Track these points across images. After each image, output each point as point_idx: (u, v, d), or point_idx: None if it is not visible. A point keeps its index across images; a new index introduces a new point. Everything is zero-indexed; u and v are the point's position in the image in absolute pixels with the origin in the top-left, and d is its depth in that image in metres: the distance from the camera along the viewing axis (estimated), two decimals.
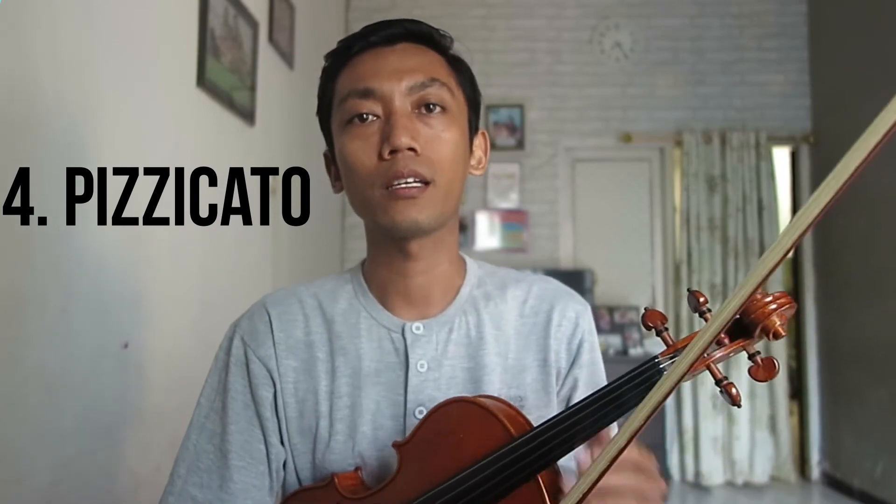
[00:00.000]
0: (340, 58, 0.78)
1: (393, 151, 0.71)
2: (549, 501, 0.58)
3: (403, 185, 0.71)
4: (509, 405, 0.68)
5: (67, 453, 1.42)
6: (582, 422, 0.59)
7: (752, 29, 4.44)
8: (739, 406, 0.55)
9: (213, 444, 0.77)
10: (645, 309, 0.60)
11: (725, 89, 4.42)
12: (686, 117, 4.40)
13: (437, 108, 0.75)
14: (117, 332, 1.64)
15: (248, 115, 2.51)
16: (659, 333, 0.60)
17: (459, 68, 0.80)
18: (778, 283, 4.21)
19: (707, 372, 0.57)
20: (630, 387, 0.58)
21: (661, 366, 0.58)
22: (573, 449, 0.60)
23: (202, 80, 2.10)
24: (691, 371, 0.52)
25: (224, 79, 2.30)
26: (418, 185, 0.71)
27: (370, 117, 0.73)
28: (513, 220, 4.35)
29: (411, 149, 0.71)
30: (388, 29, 0.76)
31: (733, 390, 0.54)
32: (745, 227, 4.25)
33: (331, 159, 0.83)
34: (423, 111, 0.74)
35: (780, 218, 4.32)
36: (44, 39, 1.35)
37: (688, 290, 0.60)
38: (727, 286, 4.24)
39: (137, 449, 1.68)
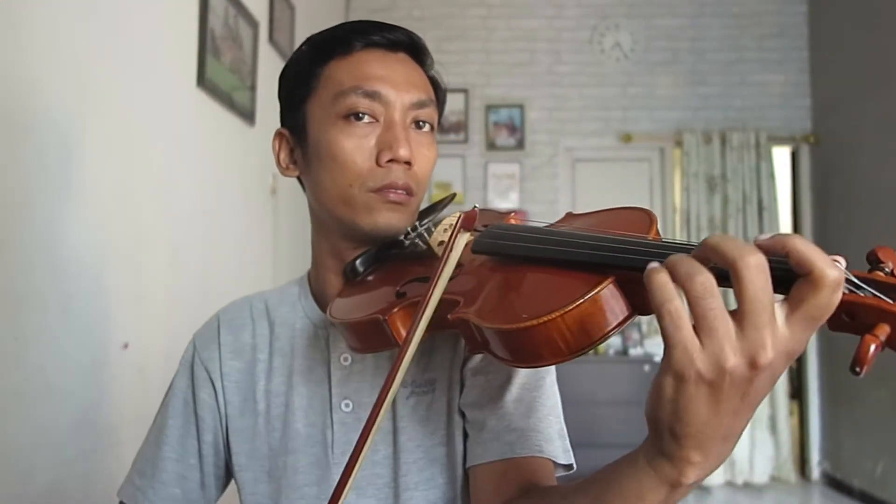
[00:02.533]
0: (337, 46, 0.77)
1: (392, 160, 0.72)
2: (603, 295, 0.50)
3: (394, 191, 0.73)
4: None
5: (67, 453, 1.42)
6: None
7: (752, 29, 4.44)
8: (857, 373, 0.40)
9: (154, 437, 0.84)
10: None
11: (725, 89, 4.42)
12: (686, 117, 4.40)
13: (427, 126, 0.77)
14: (117, 332, 1.64)
15: (248, 115, 2.51)
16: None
17: (437, 88, 0.82)
18: None
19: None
20: (786, 266, 0.43)
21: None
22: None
23: (202, 80, 2.10)
24: None
25: (224, 79, 2.30)
26: (406, 195, 0.74)
27: (367, 117, 0.73)
28: None
29: (407, 161, 0.73)
30: (391, 32, 0.77)
31: (871, 347, 0.40)
32: (745, 227, 4.25)
33: (289, 139, 0.81)
34: (415, 126, 0.76)
35: (780, 218, 4.32)
36: (44, 39, 1.35)
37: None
38: None
39: (137, 449, 1.68)
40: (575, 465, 0.72)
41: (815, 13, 4.37)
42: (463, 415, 0.75)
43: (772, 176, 4.29)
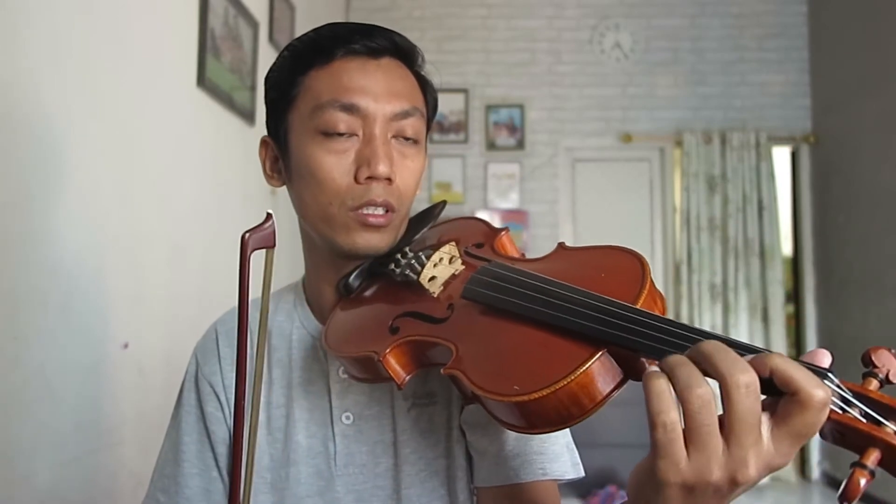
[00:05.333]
0: (317, 54, 0.73)
1: (370, 177, 0.70)
2: (593, 374, 0.50)
3: (372, 213, 0.71)
4: (663, 301, 0.59)
5: (67, 453, 1.42)
6: (682, 346, 0.47)
7: (752, 29, 4.44)
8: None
9: (172, 453, 0.82)
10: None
11: (725, 89, 4.42)
12: (686, 117, 4.40)
13: (412, 137, 0.74)
14: (117, 332, 1.64)
15: (248, 115, 2.51)
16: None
17: (426, 88, 0.79)
18: (779, 284, 4.22)
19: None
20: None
21: (825, 382, 0.42)
22: (657, 357, 0.48)
23: (202, 80, 2.10)
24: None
25: (224, 79, 2.30)
26: (385, 213, 0.72)
27: (346, 131, 0.71)
28: (513, 220, 4.35)
29: (387, 178, 0.71)
30: (374, 38, 0.73)
31: (861, 481, 0.41)
32: (745, 227, 4.25)
33: (273, 148, 0.79)
34: (399, 138, 0.74)
35: (780, 218, 4.33)
36: (44, 40, 1.35)
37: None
38: (727, 286, 4.24)
39: (137, 449, 1.68)
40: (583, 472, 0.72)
41: (815, 13, 4.37)
42: (463, 432, 0.74)
43: (772, 176, 4.29)
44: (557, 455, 0.70)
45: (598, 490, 3.40)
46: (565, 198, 4.43)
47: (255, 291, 0.90)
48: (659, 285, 4.61)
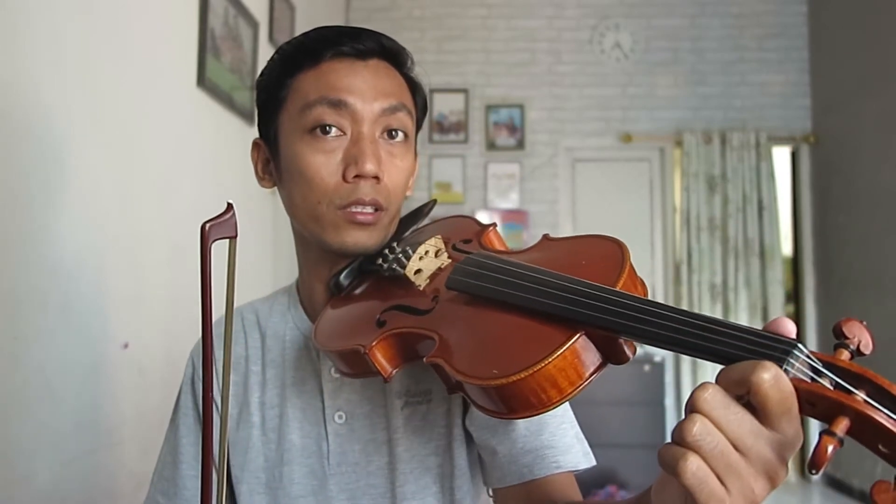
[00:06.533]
0: (306, 56, 0.74)
1: (358, 176, 0.70)
2: (574, 353, 0.51)
3: (361, 211, 0.71)
4: (644, 287, 0.60)
5: (67, 453, 1.42)
6: (665, 327, 0.48)
7: (752, 29, 4.44)
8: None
9: (171, 456, 0.83)
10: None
11: (725, 89, 4.42)
12: (686, 117, 4.40)
13: (400, 136, 0.75)
14: (117, 332, 1.63)
15: (248, 115, 2.51)
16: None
17: (416, 90, 0.79)
18: (779, 284, 4.21)
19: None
20: (740, 343, 0.45)
21: (795, 352, 0.44)
22: (635, 336, 0.50)
23: (202, 80, 2.10)
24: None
25: (224, 79, 2.30)
26: (374, 212, 0.72)
27: (335, 130, 0.71)
28: (513, 220, 4.35)
29: (375, 176, 0.71)
30: (361, 41, 0.74)
31: (829, 448, 0.40)
32: (745, 227, 4.25)
33: (264, 150, 0.81)
34: (386, 136, 0.74)
35: (780, 218, 4.33)
36: (43, 39, 1.35)
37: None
38: (727, 286, 4.24)
39: (137, 449, 1.68)
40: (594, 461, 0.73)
41: (815, 13, 4.37)
42: (468, 433, 0.74)
43: (772, 176, 4.29)
44: (568, 447, 0.70)
45: (597, 490, 3.40)
46: (565, 198, 4.43)
47: (224, 285, 0.90)
48: (659, 285, 4.61)
